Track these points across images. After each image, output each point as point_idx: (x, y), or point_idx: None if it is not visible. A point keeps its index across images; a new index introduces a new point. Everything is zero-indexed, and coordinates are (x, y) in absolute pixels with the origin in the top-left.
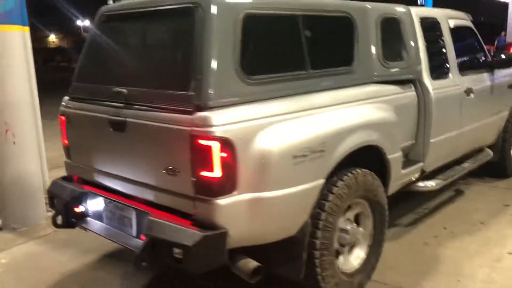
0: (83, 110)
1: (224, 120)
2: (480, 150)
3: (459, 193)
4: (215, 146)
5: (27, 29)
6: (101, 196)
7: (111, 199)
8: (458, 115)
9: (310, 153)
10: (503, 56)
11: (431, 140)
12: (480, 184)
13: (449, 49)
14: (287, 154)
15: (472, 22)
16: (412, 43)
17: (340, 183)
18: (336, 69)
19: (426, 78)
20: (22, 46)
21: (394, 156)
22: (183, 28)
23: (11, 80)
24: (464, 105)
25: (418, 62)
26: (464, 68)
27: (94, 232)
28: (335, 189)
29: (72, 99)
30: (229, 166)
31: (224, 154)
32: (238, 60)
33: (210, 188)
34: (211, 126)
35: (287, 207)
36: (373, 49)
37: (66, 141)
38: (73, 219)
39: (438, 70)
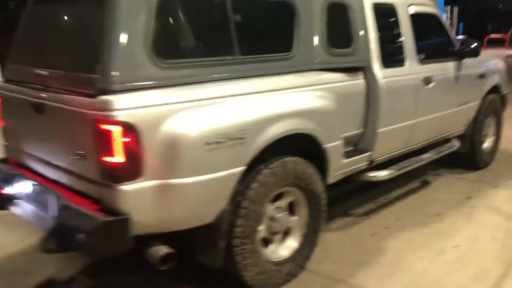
0: (13, 92)
1: (127, 104)
2: (446, 141)
3: (425, 184)
4: (117, 130)
5: None
6: (28, 179)
7: (36, 182)
8: (413, 105)
9: (227, 140)
10: (475, 44)
11: (380, 130)
12: (449, 175)
13: (407, 36)
14: (199, 141)
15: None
16: (362, 30)
17: (265, 171)
18: (271, 55)
19: (376, 66)
20: None
21: (332, 145)
22: (94, 9)
23: None
24: (421, 95)
25: (367, 49)
26: (425, 57)
27: (20, 216)
28: (259, 177)
29: (6, 81)
30: (134, 151)
31: (128, 139)
32: (151, 43)
33: (113, 174)
34: (112, 110)
35: (199, 195)
36: (317, 36)
37: (2, 123)
38: (1, 201)
39: (392, 58)
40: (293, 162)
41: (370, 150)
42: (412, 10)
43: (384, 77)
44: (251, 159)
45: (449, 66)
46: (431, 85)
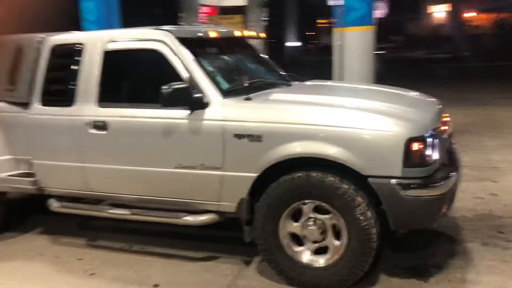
0: None
1: None
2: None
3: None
4: None
5: None
6: None
7: None
8: (78, 147)
9: None
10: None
11: (35, 161)
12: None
13: (86, 77)
14: None
15: None
16: (29, 70)
17: None
18: None
19: (37, 104)
20: None
21: None
22: None
23: None
24: (91, 139)
25: (27, 87)
26: (116, 100)
27: None
28: None
29: None
30: None
31: None
32: None
33: None
34: None
35: None
36: None
37: None
38: None
39: (56, 97)
40: None
41: (36, 177)
42: (113, 46)
43: (39, 114)
44: None
45: (163, 114)
46: (107, 131)
